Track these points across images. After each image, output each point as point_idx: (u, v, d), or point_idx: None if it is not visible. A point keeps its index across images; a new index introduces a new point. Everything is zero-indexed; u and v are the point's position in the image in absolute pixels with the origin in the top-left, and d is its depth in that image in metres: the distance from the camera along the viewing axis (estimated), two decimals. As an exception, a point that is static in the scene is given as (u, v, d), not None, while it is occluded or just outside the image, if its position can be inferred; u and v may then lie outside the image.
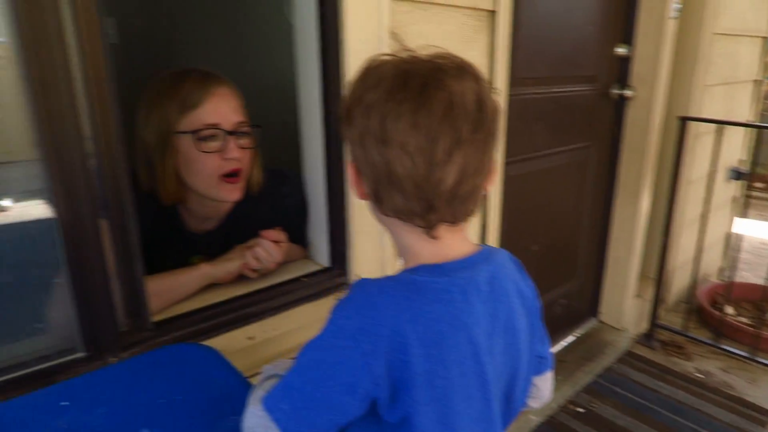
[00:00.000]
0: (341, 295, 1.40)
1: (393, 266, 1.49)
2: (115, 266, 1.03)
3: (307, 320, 1.28)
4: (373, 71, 0.72)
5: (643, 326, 2.89)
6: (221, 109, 1.26)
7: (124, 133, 0.97)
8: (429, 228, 0.74)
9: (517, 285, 0.82)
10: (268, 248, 1.31)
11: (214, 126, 1.25)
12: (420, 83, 0.68)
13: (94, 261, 0.97)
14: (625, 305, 2.78)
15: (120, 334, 1.04)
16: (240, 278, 1.33)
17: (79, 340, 0.97)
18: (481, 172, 0.73)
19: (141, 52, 2.13)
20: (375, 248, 1.43)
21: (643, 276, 2.86)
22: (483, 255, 0.79)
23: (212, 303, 1.21)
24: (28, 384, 0.91)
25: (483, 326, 0.74)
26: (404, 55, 0.73)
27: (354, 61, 1.26)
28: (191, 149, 1.25)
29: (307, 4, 1.26)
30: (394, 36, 1.47)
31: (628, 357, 2.69)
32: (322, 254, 1.46)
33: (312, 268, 1.45)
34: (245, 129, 1.31)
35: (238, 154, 1.28)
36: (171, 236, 1.40)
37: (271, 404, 0.71)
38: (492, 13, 1.57)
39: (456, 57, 0.73)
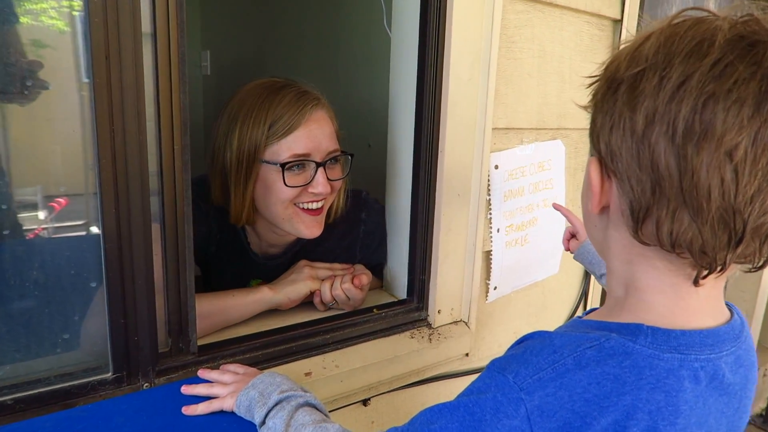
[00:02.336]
0: (418, 331, 1.24)
1: (481, 302, 1.27)
2: (164, 276, 0.89)
3: (376, 358, 1.08)
4: (689, 30, 0.49)
5: (760, 405, 2.48)
6: (315, 137, 1.09)
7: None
8: (711, 271, 0.51)
9: (751, 371, 0.61)
10: (351, 293, 1.13)
11: (305, 157, 1.09)
12: None
13: (138, 267, 0.83)
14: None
15: (158, 356, 0.88)
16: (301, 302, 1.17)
17: (110, 358, 0.83)
18: None
19: (232, 79, 2.08)
20: (461, 279, 1.22)
21: (761, 347, 2.47)
22: (735, 328, 0.57)
23: (267, 329, 1.04)
24: (43, 405, 0.77)
25: (707, 426, 0.55)
26: (732, 14, 0.50)
27: (454, 71, 1.08)
28: (274, 179, 1.09)
29: (410, 6, 1.10)
30: None
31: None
32: (398, 285, 1.27)
33: (386, 299, 1.27)
34: (337, 157, 1.15)
35: (326, 190, 1.10)
36: (233, 255, 1.26)
37: None
38: (616, 23, 1.36)
39: None
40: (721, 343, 0.55)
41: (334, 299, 1.14)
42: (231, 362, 0.95)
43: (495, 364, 0.57)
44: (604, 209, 0.57)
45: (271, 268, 1.24)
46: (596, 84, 0.57)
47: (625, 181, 0.52)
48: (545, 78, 1.25)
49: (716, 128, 0.46)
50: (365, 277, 1.15)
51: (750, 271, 0.54)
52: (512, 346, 0.61)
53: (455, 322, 1.24)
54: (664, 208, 0.49)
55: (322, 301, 1.15)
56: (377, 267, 1.32)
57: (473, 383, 0.58)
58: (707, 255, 0.50)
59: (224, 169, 1.12)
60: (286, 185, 1.08)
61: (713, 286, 0.55)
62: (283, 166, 1.07)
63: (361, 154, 1.69)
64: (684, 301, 0.54)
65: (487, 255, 1.26)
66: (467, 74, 1.10)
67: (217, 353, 0.96)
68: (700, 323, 0.55)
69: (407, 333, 1.17)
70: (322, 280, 1.17)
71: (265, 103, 1.08)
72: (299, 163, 1.09)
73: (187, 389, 0.83)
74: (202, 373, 0.87)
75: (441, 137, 1.12)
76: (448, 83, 1.08)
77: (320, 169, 1.10)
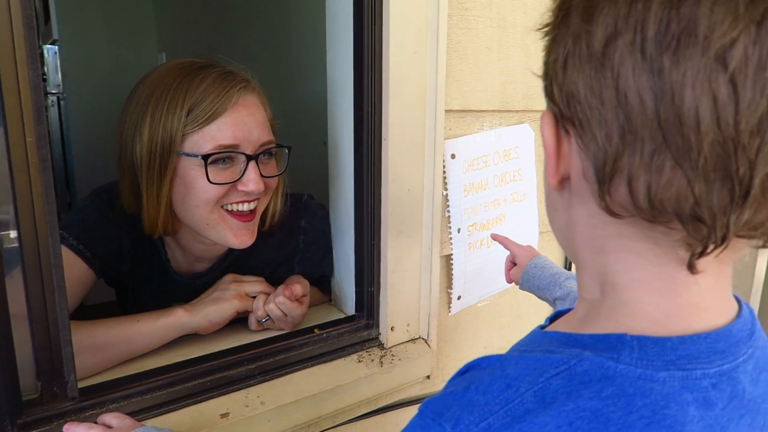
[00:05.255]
0: (367, 354, 1.06)
1: (443, 314, 1.09)
2: (26, 303, 0.70)
3: (313, 389, 0.90)
4: None
5: None
6: (244, 125, 0.91)
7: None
8: (706, 248, 0.36)
9: None
10: (286, 307, 0.95)
11: (232, 149, 0.91)
12: None
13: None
14: None
15: (21, 405, 0.69)
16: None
17: (-59, 414, 0.64)
18: None
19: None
20: (417, 289, 1.04)
21: None
22: (746, 322, 0.42)
23: (175, 362, 0.85)
24: None
25: None
26: None
27: (396, 40, 0.90)
28: (194, 176, 0.90)
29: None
30: None
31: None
32: (346, 298, 1.09)
33: (334, 315, 1.09)
34: (272, 150, 0.97)
35: (258, 188, 0.92)
36: (150, 274, 1.06)
37: None
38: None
39: None
40: (736, 346, 0.40)
41: (268, 315, 0.97)
42: (121, 408, 0.76)
43: (430, 406, 0.42)
44: (565, 181, 0.42)
45: (197, 288, 1.04)
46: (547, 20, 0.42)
47: (586, 128, 0.38)
48: (507, 52, 1.08)
49: (700, 23, 0.32)
50: (299, 286, 0.96)
51: (763, 247, 0.38)
52: (453, 378, 0.45)
53: (412, 340, 1.06)
54: (638, 153, 0.35)
55: (256, 319, 0.98)
56: (322, 278, 1.14)
57: None
58: (702, 221, 0.35)
59: (134, 166, 0.93)
60: (210, 182, 0.89)
61: (718, 271, 0.40)
62: (205, 158, 0.88)
63: (316, 154, 1.52)
64: (680, 297, 0.40)
65: (447, 260, 1.08)
66: (413, 45, 0.93)
67: (106, 396, 0.77)
68: (707, 323, 0.40)
69: (354, 356, 0.99)
70: (253, 297, 0.99)
71: (182, 84, 0.90)
72: (226, 156, 0.91)
73: None
74: (68, 428, 0.68)
75: (384, 122, 0.94)
76: (389, 55, 0.90)
77: (251, 163, 0.92)
